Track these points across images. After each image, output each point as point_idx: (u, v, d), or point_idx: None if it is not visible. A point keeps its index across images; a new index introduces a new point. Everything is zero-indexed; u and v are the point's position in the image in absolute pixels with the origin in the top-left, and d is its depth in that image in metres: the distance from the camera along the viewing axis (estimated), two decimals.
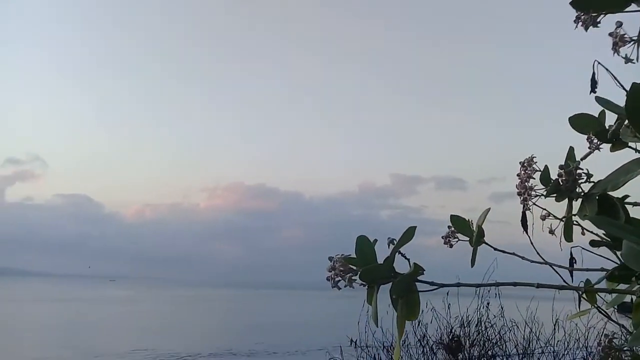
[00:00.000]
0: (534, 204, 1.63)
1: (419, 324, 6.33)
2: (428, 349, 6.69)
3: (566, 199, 1.55)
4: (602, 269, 1.50)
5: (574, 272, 1.59)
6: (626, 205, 1.41)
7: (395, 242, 1.58)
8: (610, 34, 1.24)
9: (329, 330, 35.43)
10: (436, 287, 1.51)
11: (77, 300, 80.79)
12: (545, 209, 1.67)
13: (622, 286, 1.45)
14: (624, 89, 1.34)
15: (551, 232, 1.69)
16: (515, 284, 1.47)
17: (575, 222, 1.59)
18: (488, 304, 7.33)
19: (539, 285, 1.47)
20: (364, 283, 1.77)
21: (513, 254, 1.70)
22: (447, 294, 6.56)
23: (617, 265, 1.43)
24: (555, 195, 1.57)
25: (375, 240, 1.74)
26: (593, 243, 1.55)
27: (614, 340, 1.44)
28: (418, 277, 1.50)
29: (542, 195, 1.59)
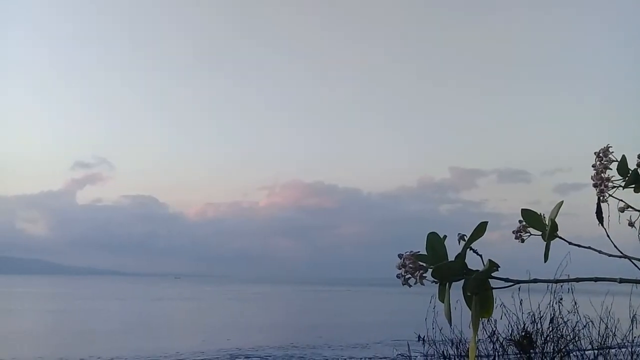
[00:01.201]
0: (611, 195, 1.59)
1: (488, 320, 6.19)
2: (498, 346, 6.53)
3: None
4: None
5: None
6: None
7: (466, 238, 1.57)
8: None
9: (395, 327, 35.35)
10: (511, 283, 1.48)
11: (158, 299, 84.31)
12: (621, 200, 1.63)
13: None
14: None
15: (631, 224, 1.64)
16: (596, 279, 1.42)
17: None
18: (561, 299, 7.07)
19: (621, 280, 1.42)
20: (435, 280, 1.77)
21: (589, 247, 1.64)
22: (519, 289, 6.37)
23: None
24: (634, 186, 1.53)
25: (445, 237, 1.73)
26: None
27: None
28: (492, 274, 1.49)
29: (620, 186, 1.56)
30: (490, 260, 1.42)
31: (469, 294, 1.45)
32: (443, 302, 1.77)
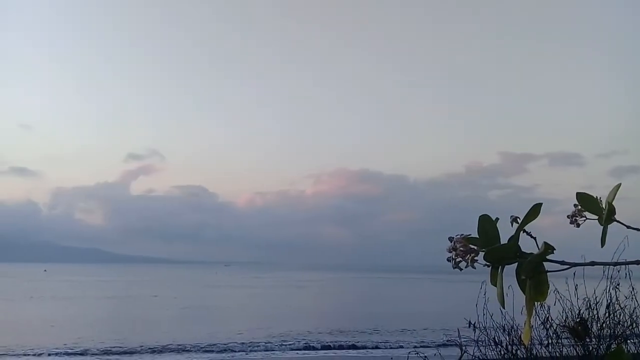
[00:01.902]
0: None
1: (541, 306, 6.05)
2: (552, 332, 6.36)
3: None
4: None
5: None
6: None
7: (519, 220, 1.54)
8: None
9: (444, 313, 35.12)
10: (567, 266, 1.45)
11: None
12: None
13: None
14: None
15: None
16: None
17: None
18: (618, 285, 6.81)
19: None
20: (487, 264, 1.74)
21: None
22: (574, 275, 6.18)
23: None
24: None
25: (497, 219, 1.70)
26: None
27: None
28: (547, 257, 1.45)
29: None
30: (545, 242, 1.39)
31: (523, 277, 1.43)
32: (495, 286, 1.75)
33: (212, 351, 23.64)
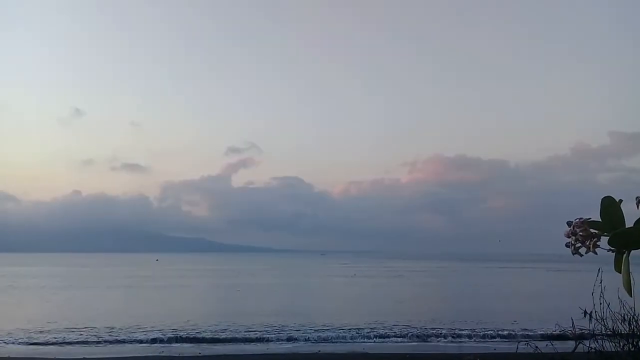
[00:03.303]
0: None
1: None
2: None
3: None
4: None
5: None
6: None
7: None
8: None
9: (556, 302, 33.42)
10: None
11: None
12: None
13: None
14: None
15: None
16: None
17: None
18: None
19: None
20: (611, 249, 1.66)
21: None
22: None
23: None
24: None
25: (621, 201, 1.62)
26: None
27: None
28: None
29: None
30: None
31: None
32: (620, 273, 1.67)
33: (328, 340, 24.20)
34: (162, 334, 24.84)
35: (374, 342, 23.47)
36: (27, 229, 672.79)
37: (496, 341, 23.35)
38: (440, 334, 25.10)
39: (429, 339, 24.02)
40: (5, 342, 23.10)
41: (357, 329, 26.57)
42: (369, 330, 25.95)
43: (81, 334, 25.00)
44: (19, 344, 22.91)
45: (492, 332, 25.46)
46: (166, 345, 22.59)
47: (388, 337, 24.52)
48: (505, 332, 25.26)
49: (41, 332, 25.81)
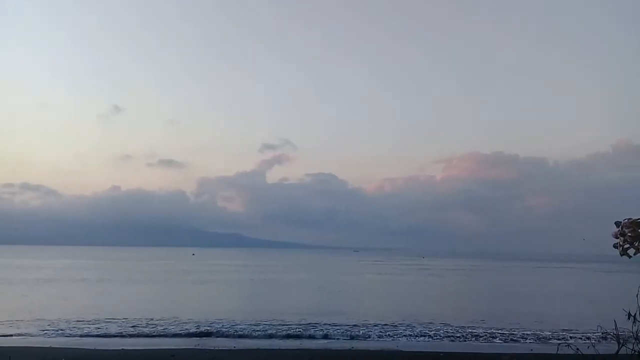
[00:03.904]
0: None
1: None
2: None
3: None
4: None
5: None
6: None
7: None
8: None
9: (597, 303, 32.56)
10: None
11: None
12: None
13: None
14: None
15: None
16: None
17: None
18: None
19: None
20: None
21: None
22: None
23: None
24: None
25: None
26: None
27: None
28: None
29: None
30: None
31: None
32: None
33: (349, 336, 24.22)
34: (198, 328, 25.30)
35: (408, 339, 23.32)
36: (68, 223, 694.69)
37: (534, 342, 22.87)
38: (476, 333, 24.77)
39: (464, 338, 23.72)
40: (46, 333, 23.93)
41: (391, 326, 26.50)
42: (404, 328, 25.83)
43: (119, 326, 25.68)
44: (59, 335, 23.68)
45: (529, 332, 24.99)
46: (202, 338, 22.97)
47: (422, 335, 24.31)
48: (544, 333, 24.74)
49: (81, 323, 26.63)
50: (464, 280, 71.29)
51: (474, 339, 23.65)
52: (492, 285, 60.84)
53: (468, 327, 26.52)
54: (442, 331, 25.19)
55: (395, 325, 26.65)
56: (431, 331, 25.15)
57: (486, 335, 24.26)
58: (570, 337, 23.12)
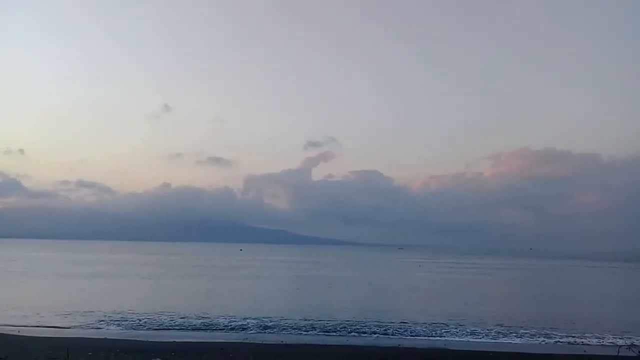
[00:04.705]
0: None
1: None
2: None
3: None
4: None
5: None
6: None
7: None
8: None
9: None
10: None
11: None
12: None
13: None
14: None
15: None
16: None
17: None
18: None
19: None
20: None
21: None
22: None
23: None
24: None
25: None
26: None
27: None
28: None
29: None
30: None
31: None
32: None
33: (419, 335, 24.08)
34: (247, 322, 25.75)
35: (456, 338, 22.95)
36: (122, 219, 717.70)
37: (589, 344, 22.08)
38: (527, 333, 24.13)
39: (514, 337, 23.15)
40: (102, 325, 24.87)
41: (439, 324, 26.15)
42: (453, 327, 25.44)
43: (172, 320, 26.42)
44: (114, 327, 24.57)
45: (586, 333, 24.16)
46: (251, 332, 23.33)
47: (471, 334, 23.86)
48: (601, 335, 23.85)
49: (134, 316, 27.56)
50: (516, 278, 69.50)
51: (524, 338, 23.05)
52: (545, 285, 59.05)
53: (520, 326, 25.87)
54: (493, 331, 24.66)
55: (444, 324, 26.30)
56: (482, 330, 24.68)
57: (538, 335, 23.61)
58: (633, 340, 22.15)
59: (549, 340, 22.81)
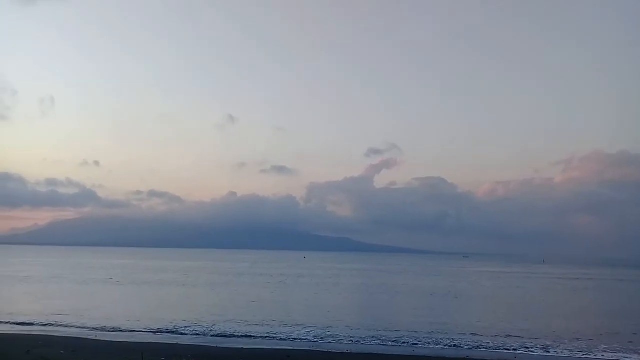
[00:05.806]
0: None
1: None
2: None
3: None
4: None
5: None
6: None
7: None
8: None
9: None
10: None
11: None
12: None
13: None
14: None
15: None
16: None
17: None
18: None
19: None
20: None
21: None
22: None
23: None
24: None
25: None
26: None
27: None
28: None
29: None
30: None
31: None
32: None
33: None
34: (314, 330, 25.94)
35: (528, 352, 22.03)
36: (191, 227, 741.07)
37: None
38: (607, 348, 22.83)
39: (592, 353, 21.96)
40: (173, 331, 25.78)
41: (509, 337, 25.22)
42: (524, 341, 24.33)
43: (239, 326, 27.03)
44: (185, 333, 25.41)
45: None
46: (317, 340, 23.45)
47: (541, 347, 22.86)
48: None
49: (204, 322, 28.41)
50: (592, 288, 65.87)
51: (604, 354, 21.81)
52: (626, 297, 55.73)
53: (598, 339, 24.57)
54: (570, 346, 23.43)
55: (518, 337, 25.32)
56: (557, 345, 23.56)
57: (621, 351, 22.30)
58: None
59: (629, 357, 21.47)
